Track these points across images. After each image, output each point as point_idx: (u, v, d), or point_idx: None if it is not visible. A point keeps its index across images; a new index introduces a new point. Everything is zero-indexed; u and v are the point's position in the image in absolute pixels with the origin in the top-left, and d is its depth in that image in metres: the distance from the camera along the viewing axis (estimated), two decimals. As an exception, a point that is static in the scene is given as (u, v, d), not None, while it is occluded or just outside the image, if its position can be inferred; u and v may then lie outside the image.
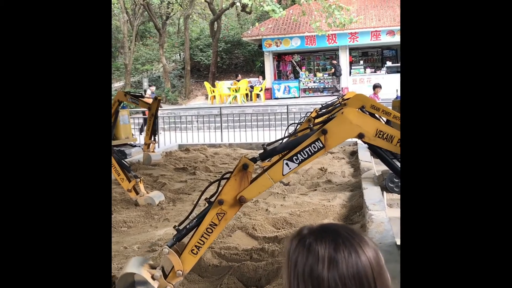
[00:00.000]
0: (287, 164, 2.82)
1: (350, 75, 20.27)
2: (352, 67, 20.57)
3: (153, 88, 16.91)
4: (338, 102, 7.36)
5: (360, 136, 2.83)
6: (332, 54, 21.16)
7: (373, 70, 20.49)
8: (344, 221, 4.82)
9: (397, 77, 18.95)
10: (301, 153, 2.80)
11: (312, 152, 2.80)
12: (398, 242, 3.69)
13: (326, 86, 20.64)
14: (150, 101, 13.98)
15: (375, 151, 3.11)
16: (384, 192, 5.46)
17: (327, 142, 2.80)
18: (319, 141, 2.79)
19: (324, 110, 6.60)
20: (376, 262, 0.84)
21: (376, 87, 9.24)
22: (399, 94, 8.13)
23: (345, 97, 7.91)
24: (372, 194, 5.14)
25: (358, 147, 8.67)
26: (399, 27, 19.02)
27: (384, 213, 4.41)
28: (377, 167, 6.84)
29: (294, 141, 2.93)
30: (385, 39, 19.44)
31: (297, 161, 2.81)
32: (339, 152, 8.85)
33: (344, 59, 20.32)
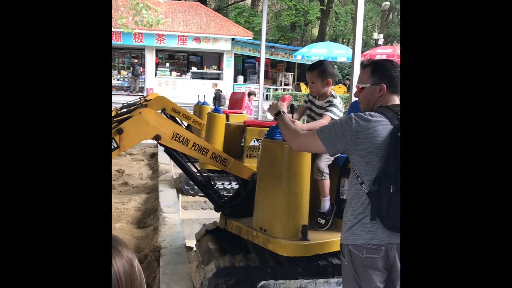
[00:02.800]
0: None
1: (155, 76, 20.18)
2: (158, 69, 20.53)
3: None
4: (139, 102, 7.23)
5: (157, 137, 2.80)
6: (138, 53, 20.74)
7: (179, 73, 20.82)
8: (138, 224, 4.72)
9: (200, 83, 19.68)
10: None
11: None
12: (188, 244, 3.78)
13: (131, 85, 20.13)
14: None
15: (171, 154, 3.13)
16: (180, 195, 5.54)
17: (122, 142, 2.67)
18: (113, 140, 2.66)
19: (124, 110, 6.38)
20: (126, 274, 0.79)
21: (250, 94, 10.30)
22: (200, 99, 8.44)
23: (147, 98, 7.82)
24: (167, 196, 5.17)
25: (158, 149, 8.64)
26: (205, 35, 19.85)
27: (177, 216, 4.47)
28: (175, 169, 6.91)
29: None
30: (192, 45, 19.98)
31: None
32: (138, 154, 8.68)
33: (150, 59, 20.13)
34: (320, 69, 3.10)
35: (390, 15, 30.58)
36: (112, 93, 19.49)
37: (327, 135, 2.02)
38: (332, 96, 3.11)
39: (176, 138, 2.88)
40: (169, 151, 3.02)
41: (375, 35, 22.60)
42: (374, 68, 2.12)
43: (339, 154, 2.71)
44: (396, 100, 2.07)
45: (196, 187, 5.77)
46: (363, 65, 2.20)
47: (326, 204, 2.99)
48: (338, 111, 3.05)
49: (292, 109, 2.99)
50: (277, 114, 2.39)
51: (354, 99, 4.17)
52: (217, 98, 12.33)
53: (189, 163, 3.31)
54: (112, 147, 2.67)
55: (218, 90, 13.17)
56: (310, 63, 3.25)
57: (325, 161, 2.92)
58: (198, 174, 3.32)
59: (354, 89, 4.27)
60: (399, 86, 2.07)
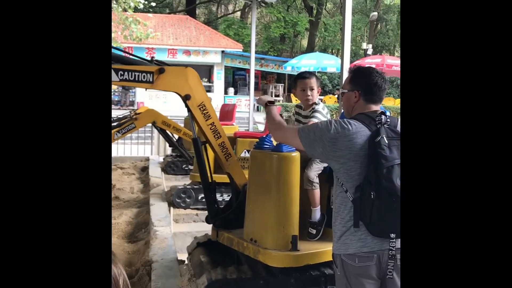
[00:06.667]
0: None
1: (146, 90, 20.13)
2: (149, 82, 20.51)
3: None
4: (130, 116, 7.20)
5: (187, 97, 2.88)
6: (128, 67, 20.75)
7: (169, 87, 20.79)
8: (129, 238, 4.68)
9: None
10: (129, 72, 2.64)
11: (138, 79, 2.67)
12: (180, 257, 3.74)
13: (122, 99, 20.09)
14: None
15: (197, 148, 3.07)
16: (171, 208, 5.51)
17: (158, 81, 2.73)
18: (151, 74, 2.70)
19: (115, 124, 6.36)
20: (125, 282, 0.81)
21: None
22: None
23: (137, 111, 7.80)
24: (158, 210, 5.13)
25: (149, 162, 8.61)
26: (194, 48, 19.90)
27: (169, 229, 4.44)
28: (166, 182, 6.89)
29: (130, 60, 2.80)
30: (182, 58, 19.99)
31: (121, 76, 2.64)
32: (129, 168, 8.63)
33: (140, 73, 20.12)
34: (316, 76, 3.16)
35: (379, 25, 30.92)
36: (103, 108, 19.48)
37: (306, 136, 2.05)
38: (315, 103, 3.13)
39: (201, 108, 2.96)
40: (196, 142, 3.04)
41: (364, 45, 22.81)
42: (353, 74, 2.17)
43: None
44: (373, 108, 2.09)
45: (188, 200, 5.76)
46: (348, 71, 2.25)
47: (316, 214, 2.98)
48: (321, 116, 3.06)
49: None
50: (270, 102, 2.49)
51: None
52: None
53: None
54: (147, 80, 2.70)
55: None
56: (299, 72, 3.29)
57: (314, 171, 2.92)
58: (210, 176, 3.21)
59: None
60: (378, 95, 2.09)
